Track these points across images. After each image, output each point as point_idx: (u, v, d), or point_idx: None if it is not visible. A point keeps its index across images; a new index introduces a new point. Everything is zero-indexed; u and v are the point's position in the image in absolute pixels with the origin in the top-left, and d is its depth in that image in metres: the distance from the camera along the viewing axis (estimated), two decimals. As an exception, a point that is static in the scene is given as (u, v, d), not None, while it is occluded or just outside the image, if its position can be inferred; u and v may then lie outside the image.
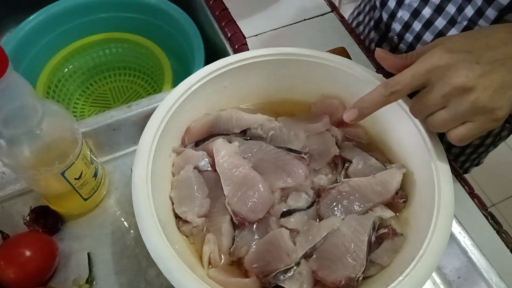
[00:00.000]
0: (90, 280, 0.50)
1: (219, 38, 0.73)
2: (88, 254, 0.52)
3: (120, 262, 0.52)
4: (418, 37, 0.68)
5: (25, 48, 0.77)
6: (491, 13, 0.56)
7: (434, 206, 0.43)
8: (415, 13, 0.67)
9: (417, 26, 0.68)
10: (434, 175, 0.45)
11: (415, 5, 0.66)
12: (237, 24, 0.72)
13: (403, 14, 0.69)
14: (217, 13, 0.73)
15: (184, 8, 0.80)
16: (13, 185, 0.55)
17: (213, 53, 0.77)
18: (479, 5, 0.56)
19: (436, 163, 0.46)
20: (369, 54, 0.72)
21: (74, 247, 0.52)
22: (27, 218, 0.51)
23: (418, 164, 0.49)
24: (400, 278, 0.40)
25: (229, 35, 0.71)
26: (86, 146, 0.49)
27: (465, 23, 0.60)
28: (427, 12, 0.65)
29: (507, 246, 0.55)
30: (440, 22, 0.64)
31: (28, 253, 0.47)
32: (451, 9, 0.61)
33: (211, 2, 0.74)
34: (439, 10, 0.63)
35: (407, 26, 0.70)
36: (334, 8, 0.78)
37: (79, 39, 0.82)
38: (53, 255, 0.50)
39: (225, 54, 0.71)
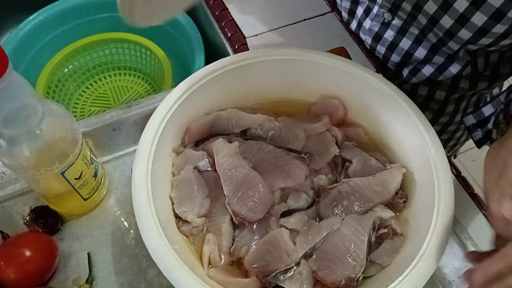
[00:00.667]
0: (90, 280, 0.50)
1: (219, 38, 0.73)
2: (88, 254, 0.52)
3: (120, 262, 0.52)
4: (385, 59, 0.68)
5: (25, 48, 0.77)
6: (453, 45, 0.56)
7: (434, 206, 0.43)
8: (377, 38, 0.66)
9: (381, 49, 0.67)
10: (434, 175, 0.45)
11: (376, 29, 0.65)
12: (237, 24, 0.72)
13: (366, 39, 0.69)
14: (217, 13, 0.73)
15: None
16: (13, 185, 0.55)
17: (213, 53, 0.77)
18: (440, 36, 0.56)
19: (436, 163, 0.46)
20: (369, 54, 0.72)
21: (74, 247, 0.52)
22: (27, 218, 0.51)
23: (418, 164, 0.49)
24: (400, 278, 0.40)
25: (229, 35, 0.71)
26: (86, 146, 0.49)
27: (431, 41, 0.60)
28: (389, 35, 0.64)
29: (507, 246, 0.55)
30: (405, 43, 0.63)
31: (28, 253, 0.47)
32: (414, 30, 0.61)
33: (211, 2, 0.74)
34: (402, 32, 0.62)
35: (371, 49, 0.69)
36: (334, 8, 0.77)
37: (79, 39, 0.82)
38: (53, 255, 0.49)
39: (225, 54, 0.71)
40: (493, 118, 0.51)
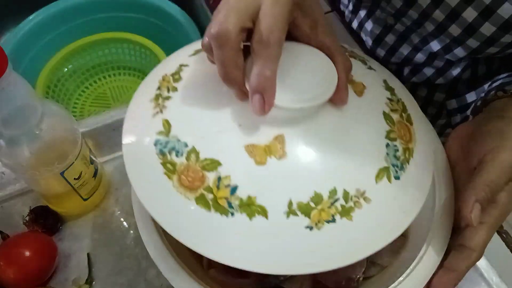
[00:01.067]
0: (90, 280, 0.50)
1: (219, 38, 0.73)
2: (88, 254, 0.52)
3: (120, 262, 0.52)
4: (385, 62, 0.68)
5: (25, 48, 0.77)
6: (460, 52, 0.55)
7: (434, 206, 0.43)
8: (378, 40, 0.65)
9: (381, 52, 0.66)
10: (434, 175, 0.45)
11: (377, 32, 0.65)
12: (237, 24, 0.72)
13: (366, 40, 0.69)
14: (217, 13, 0.73)
15: (184, 8, 0.80)
16: (13, 185, 0.55)
17: (213, 53, 0.76)
18: (447, 42, 0.56)
19: (436, 163, 0.45)
20: (369, 54, 0.71)
21: (74, 247, 0.52)
22: (27, 218, 0.51)
23: (418, 164, 0.49)
24: (401, 278, 0.40)
25: (229, 35, 0.70)
26: (85, 146, 0.49)
27: (430, 50, 0.60)
28: (390, 39, 0.64)
29: (507, 246, 0.55)
30: (405, 48, 0.63)
31: (27, 253, 0.47)
32: (415, 38, 0.61)
33: (211, 2, 0.74)
34: (403, 37, 0.62)
35: (371, 51, 0.69)
36: (334, 8, 0.77)
37: (79, 39, 0.82)
38: (52, 256, 0.49)
39: (225, 54, 0.71)
40: (473, 105, 0.51)
